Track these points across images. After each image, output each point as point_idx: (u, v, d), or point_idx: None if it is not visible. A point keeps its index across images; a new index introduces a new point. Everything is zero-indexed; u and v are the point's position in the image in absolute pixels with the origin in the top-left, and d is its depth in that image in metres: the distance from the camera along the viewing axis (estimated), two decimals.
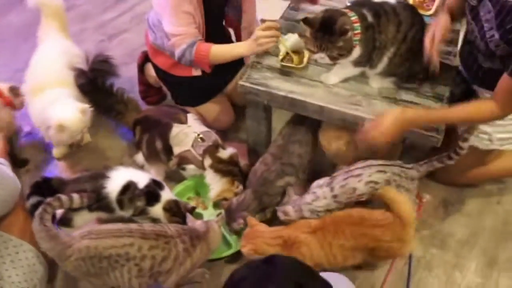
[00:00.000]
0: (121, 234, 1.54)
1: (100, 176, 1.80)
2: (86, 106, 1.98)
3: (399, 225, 1.59)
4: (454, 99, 1.82)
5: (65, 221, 1.77)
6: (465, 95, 1.81)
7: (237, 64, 2.10)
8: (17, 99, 2.10)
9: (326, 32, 1.64)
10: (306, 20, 1.68)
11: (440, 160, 1.71)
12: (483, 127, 1.81)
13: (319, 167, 2.03)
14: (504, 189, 2.14)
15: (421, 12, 1.90)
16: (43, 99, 2.01)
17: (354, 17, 1.65)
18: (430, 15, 2.02)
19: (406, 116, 1.61)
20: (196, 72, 2.11)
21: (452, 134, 1.70)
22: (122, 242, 1.52)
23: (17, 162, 2.12)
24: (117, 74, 2.26)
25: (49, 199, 1.56)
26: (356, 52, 1.68)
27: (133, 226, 1.60)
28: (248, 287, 1.01)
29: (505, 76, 1.54)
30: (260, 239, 1.63)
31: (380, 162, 1.73)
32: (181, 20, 1.91)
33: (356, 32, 1.64)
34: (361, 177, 1.70)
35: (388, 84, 1.79)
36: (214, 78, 2.10)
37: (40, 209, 1.52)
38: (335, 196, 1.72)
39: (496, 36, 1.55)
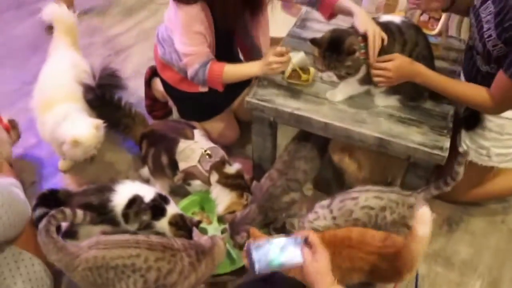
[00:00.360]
0: (128, 245, 1.54)
1: (106, 189, 1.81)
2: (100, 121, 1.97)
3: (398, 258, 1.49)
4: (458, 118, 1.84)
5: (70, 234, 1.77)
6: (470, 114, 1.82)
7: (244, 82, 2.11)
8: (13, 131, 2.11)
9: (334, 51, 1.67)
10: (314, 41, 1.71)
11: (437, 186, 1.68)
12: (482, 141, 1.81)
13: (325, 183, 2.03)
14: (508, 208, 2.14)
15: (426, 31, 1.92)
16: (54, 114, 1.99)
17: (360, 37, 1.68)
18: (434, 35, 2.05)
19: (413, 66, 1.68)
20: (203, 89, 2.12)
21: (451, 152, 1.70)
22: (129, 252, 1.52)
23: None
24: (124, 87, 2.27)
25: (53, 211, 1.55)
26: (362, 70, 1.71)
27: (140, 237, 1.60)
28: None
29: (500, 72, 1.58)
30: None
31: (379, 187, 1.71)
32: (192, 41, 1.91)
33: (362, 51, 1.67)
34: (357, 201, 1.68)
35: (393, 102, 1.81)
36: (221, 94, 2.10)
37: (44, 221, 1.52)
38: (334, 218, 1.71)
39: (494, 35, 1.57)
